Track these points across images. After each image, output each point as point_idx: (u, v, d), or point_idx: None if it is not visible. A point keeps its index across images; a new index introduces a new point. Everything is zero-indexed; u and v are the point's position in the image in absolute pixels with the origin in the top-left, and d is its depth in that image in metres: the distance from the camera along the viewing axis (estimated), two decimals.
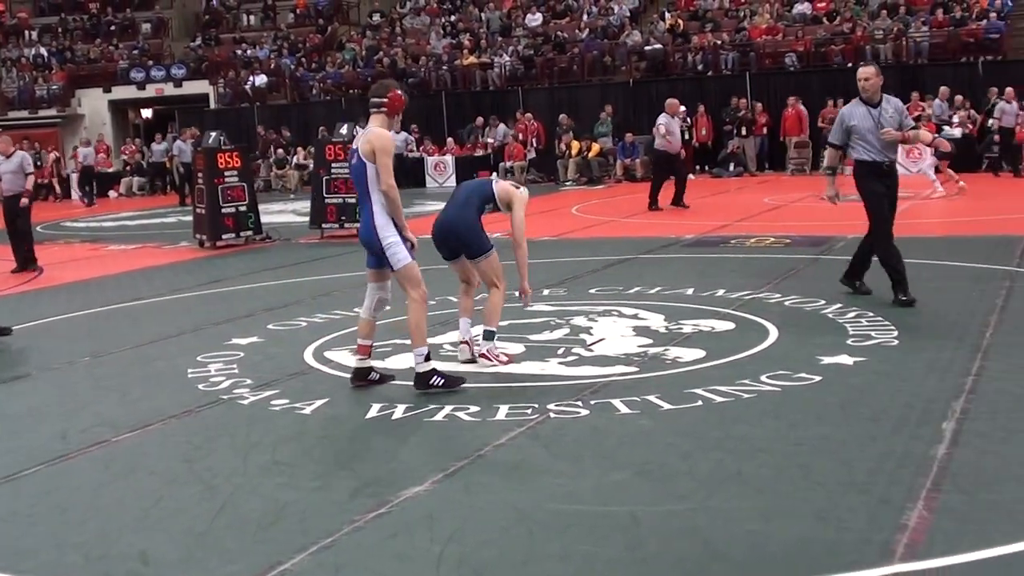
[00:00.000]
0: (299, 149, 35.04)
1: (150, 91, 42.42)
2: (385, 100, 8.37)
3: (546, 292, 11.21)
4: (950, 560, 4.86)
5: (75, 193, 36.46)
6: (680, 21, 36.05)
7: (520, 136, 33.28)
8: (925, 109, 27.97)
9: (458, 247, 9.11)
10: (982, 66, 30.00)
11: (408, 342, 8.56)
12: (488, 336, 9.08)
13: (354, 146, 8.40)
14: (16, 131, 33.16)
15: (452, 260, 9.24)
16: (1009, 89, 27.27)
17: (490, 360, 8.96)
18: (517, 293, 9.30)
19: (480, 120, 34.34)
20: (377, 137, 8.20)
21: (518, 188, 9.39)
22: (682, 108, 30.82)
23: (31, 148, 34.88)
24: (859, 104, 10.87)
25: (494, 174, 9.41)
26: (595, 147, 31.84)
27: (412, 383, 8.33)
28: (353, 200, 19.53)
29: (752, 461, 6.35)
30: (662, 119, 21.94)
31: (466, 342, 9.14)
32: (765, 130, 31.22)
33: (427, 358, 8.28)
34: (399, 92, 8.42)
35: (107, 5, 47.30)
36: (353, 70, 39.00)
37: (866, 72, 10.99)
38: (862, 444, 6.55)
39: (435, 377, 8.26)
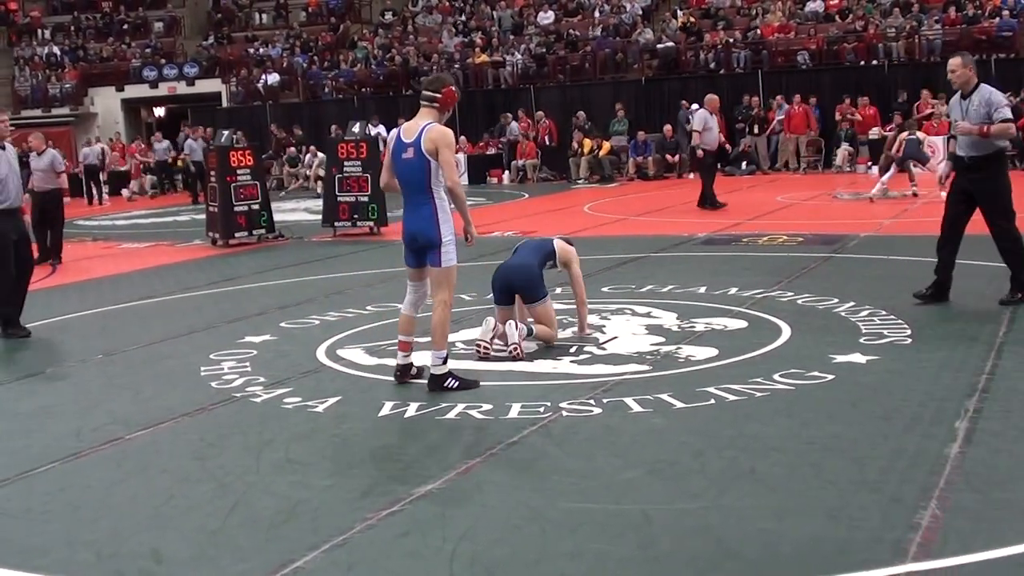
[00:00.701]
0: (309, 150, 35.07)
1: (162, 90, 42.53)
2: (439, 95, 8.34)
3: (558, 291, 11.20)
4: (963, 559, 4.85)
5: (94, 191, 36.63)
6: (692, 19, 36.02)
7: (534, 134, 33.27)
8: (936, 107, 27.89)
9: (519, 291, 9.61)
10: (995, 64, 29.91)
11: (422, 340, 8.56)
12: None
13: (405, 140, 8.25)
14: (29, 130, 33.14)
15: (504, 305, 9.66)
16: None
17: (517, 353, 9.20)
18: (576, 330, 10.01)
19: (508, 116, 34.24)
20: (440, 134, 8.16)
21: (571, 245, 10.12)
22: (695, 106, 30.78)
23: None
24: (956, 96, 10.68)
25: (556, 237, 9.69)
26: (606, 145, 31.83)
27: (426, 383, 8.35)
28: (366, 199, 19.62)
29: (765, 459, 6.35)
30: (703, 115, 21.40)
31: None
32: (777, 127, 31.20)
33: (445, 360, 8.30)
34: (453, 88, 8.40)
35: (120, 4, 47.43)
36: (365, 68, 39.03)
37: (952, 63, 10.68)
38: (874, 443, 6.54)
39: (450, 380, 8.28)
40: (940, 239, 10.76)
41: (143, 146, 39.23)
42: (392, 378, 8.65)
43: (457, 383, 8.28)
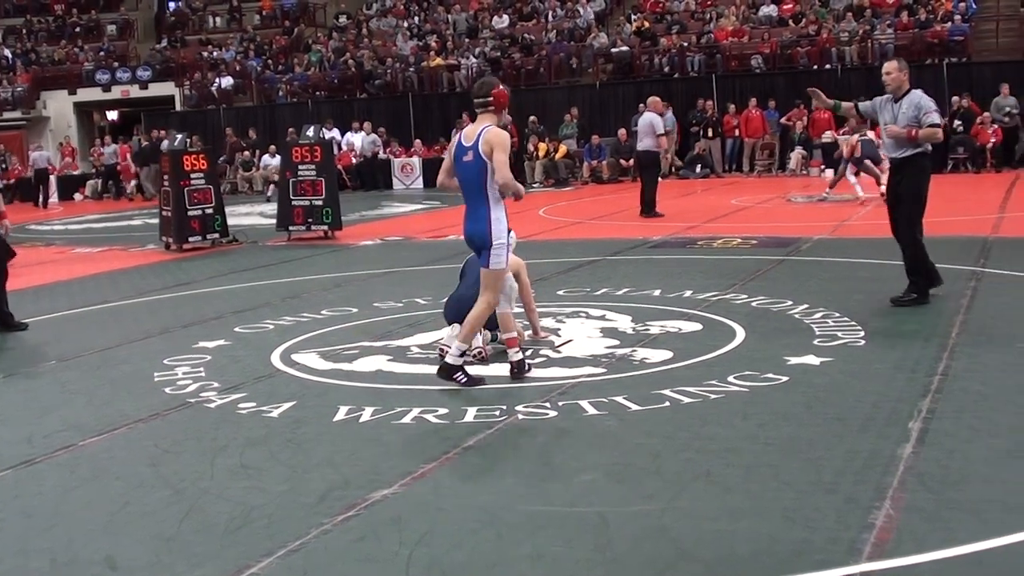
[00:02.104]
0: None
1: (116, 93, 42.24)
2: (490, 98, 8.48)
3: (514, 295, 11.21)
4: (917, 559, 4.88)
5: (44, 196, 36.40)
6: (646, 23, 36.13)
7: None
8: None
9: None
10: (947, 68, 30.19)
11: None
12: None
13: (465, 144, 8.45)
14: None
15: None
16: None
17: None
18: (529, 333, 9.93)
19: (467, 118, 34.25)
20: (496, 135, 8.32)
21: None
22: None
23: None
24: (886, 100, 10.89)
25: None
26: (562, 149, 31.89)
27: (436, 369, 8.57)
28: (320, 202, 19.59)
29: (720, 461, 6.37)
30: (650, 117, 21.29)
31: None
32: (737, 132, 31.37)
33: (463, 354, 8.46)
34: (502, 88, 8.58)
35: (72, 6, 47.04)
36: (319, 72, 38.93)
37: (888, 66, 10.94)
38: (829, 444, 6.57)
39: (460, 374, 8.41)
40: (897, 238, 10.91)
41: (99, 150, 39.01)
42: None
43: (466, 379, 8.40)
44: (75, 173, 38.61)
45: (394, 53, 38.50)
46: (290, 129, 31.49)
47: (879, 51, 31.88)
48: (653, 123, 21.17)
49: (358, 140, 34.16)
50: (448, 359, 8.46)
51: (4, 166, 38.06)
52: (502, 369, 8.88)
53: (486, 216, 8.35)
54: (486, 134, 8.29)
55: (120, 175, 36.84)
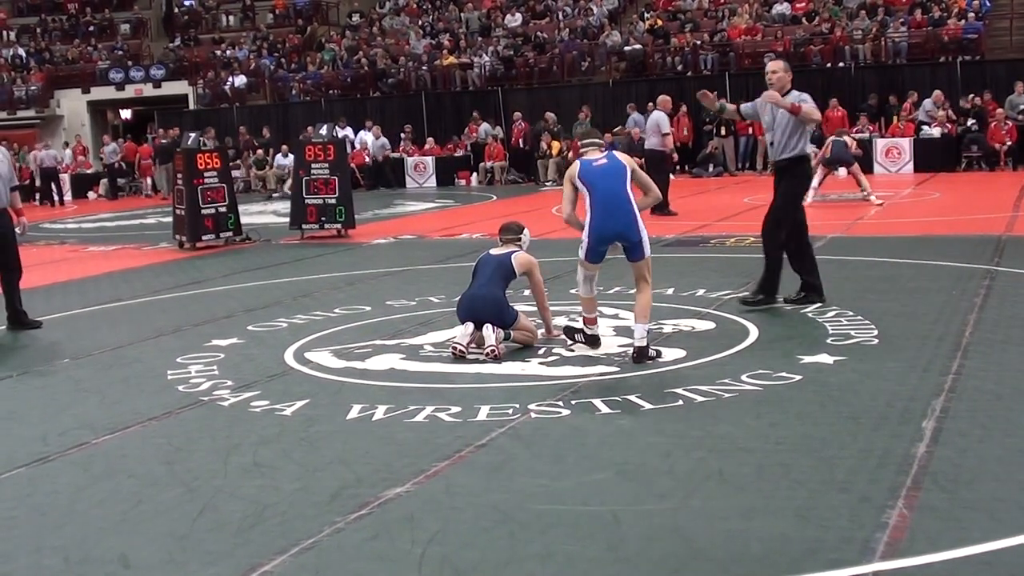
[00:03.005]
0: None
1: (129, 92, 42.33)
2: (601, 141, 9.63)
3: (526, 292, 11.19)
4: (931, 558, 4.87)
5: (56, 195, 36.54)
6: (659, 21, 36.10)
7: (502, 136, 33.29)
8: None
9: (489, 321, 9.54)
10: (960, 66, 30.11)
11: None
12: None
13: (597, 163, 9.20)
14: None
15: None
16: None
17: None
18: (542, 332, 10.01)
19: (477, 118, 34.24)
20: (626, 156, 9.41)
21: (521, 245, 10.20)
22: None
23: (10, 149, 34.74)
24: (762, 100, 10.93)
25: (511, 247, 9.82)
26: (556, 145, 31.82)
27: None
28: (333, 201, 19.61)
29: (733, 460, 6.36)
30: (657, 116, 21.33)
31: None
32: (750, 130, 31.30)
33: (646, 334, 9.06)
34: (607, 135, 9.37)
35: (86, 5, 47.16)
36: (332, 70, 38.96)
37: (774, 66, 11.00)
38: (843, 443, 6.56)
39: (651, 350, 8.99)
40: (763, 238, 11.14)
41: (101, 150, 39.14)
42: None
43: (658, 354, 9.02)
44: (88, 171, 38.67)
45: (407, 52, 38.52)
46: (309, 129, 31.56)
47: (892, 49, 31.85)
48: (659, 122, 21.19)
49: (371, 139, 34.16)
50: (637, 343, 8.95)
51: (19, 165, 38.16)
52: (515, 368, 8.89)
53: (634, 213, 9.05)
54: (618, 154, 9.37)
55: (137, 173, 36.99)
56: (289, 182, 28.80)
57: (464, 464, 6.59)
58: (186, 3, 47.00)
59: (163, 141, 34.80)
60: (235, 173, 28.12)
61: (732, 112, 11.55)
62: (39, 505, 6.26)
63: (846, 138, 22.51)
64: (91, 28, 46.00)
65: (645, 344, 8.95)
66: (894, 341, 9.21)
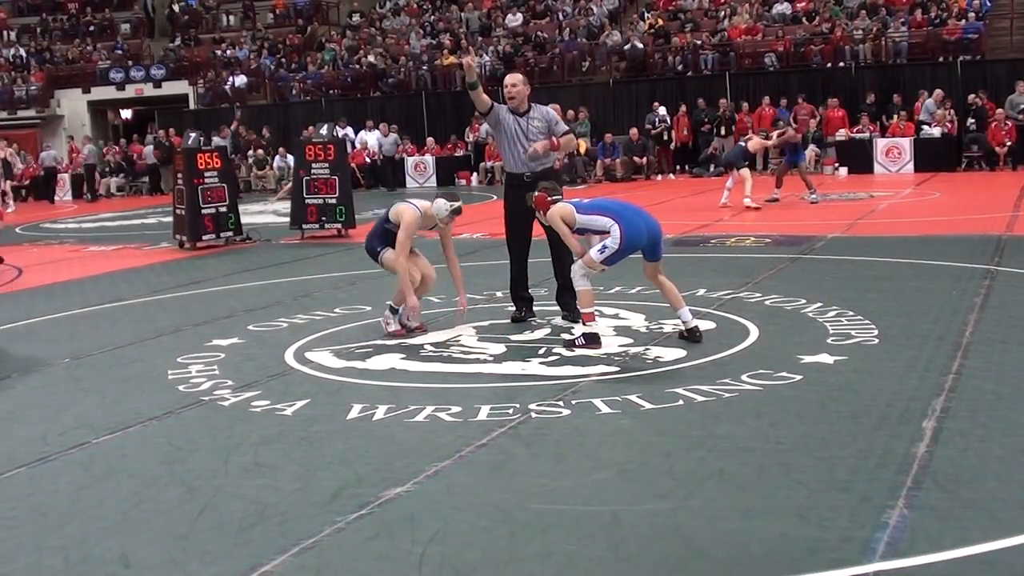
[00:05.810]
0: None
1: (129, 92, 42.33)
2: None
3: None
4: (931, 558, 4.87)
5: (59, 194, 36.57)
6: (660, 21, 36.10)
7: None
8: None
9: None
10: (961, 66, 30.11)
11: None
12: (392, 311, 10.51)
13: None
14: None
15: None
16: None
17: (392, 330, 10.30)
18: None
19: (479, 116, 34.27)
20: None
21: (432, 204, 10.65)
22: (662, 109, 30.95)
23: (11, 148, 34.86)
24: (507, 112, 10.68)
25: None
26: (582, 144, 31.81)
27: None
28: (334, 201, 19.61)
29: (733, 460, 6.36)
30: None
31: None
32: (750, 130, 31.27)
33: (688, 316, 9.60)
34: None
35: (86, 5, 47.17)
36: (333, 70, 38.97)
37: (513, 79, 10.77)
38: (843, 443, 6.56)
39: (697, 332, 9.51)
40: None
41: (115, 148, 39.14)
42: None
43: (700, 334, 9.54)
44: (80, 172, 38.64)
45: (407, 51, 38.52)
46: (309, 128, 31.54)
47: (893, 49, 31.84)
48: None
49: (372, 139, 34.16)
50: (690, 325, 9.51)
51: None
52: (516, 368, 8.89)
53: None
54: None
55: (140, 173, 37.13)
56: (285, 184, 28.90)
57: (464, 464, 6.59)
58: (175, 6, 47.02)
59: (165, 142, 34.90)
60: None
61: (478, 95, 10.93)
62: (39, 505, 6.26)
63: (755, 139, 22.58)
64: (91, 28, 46.00)
65: (695, 324, 9.55)
66: (894, 341, 9.21)
